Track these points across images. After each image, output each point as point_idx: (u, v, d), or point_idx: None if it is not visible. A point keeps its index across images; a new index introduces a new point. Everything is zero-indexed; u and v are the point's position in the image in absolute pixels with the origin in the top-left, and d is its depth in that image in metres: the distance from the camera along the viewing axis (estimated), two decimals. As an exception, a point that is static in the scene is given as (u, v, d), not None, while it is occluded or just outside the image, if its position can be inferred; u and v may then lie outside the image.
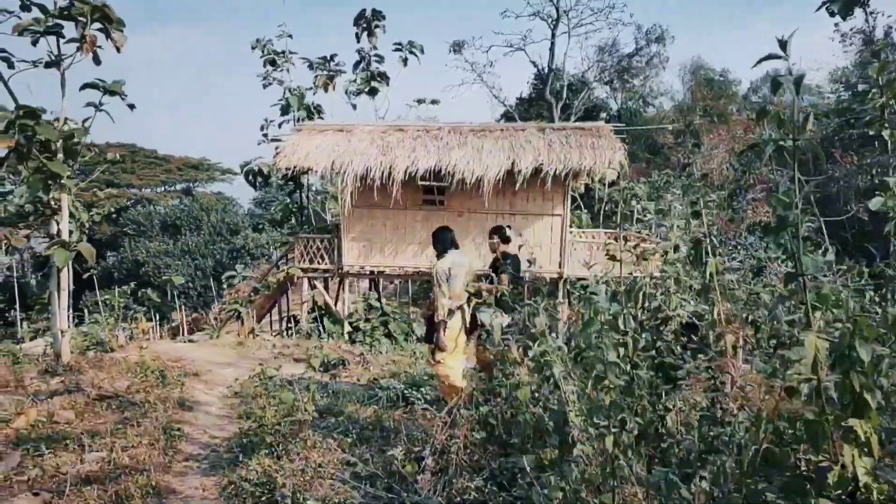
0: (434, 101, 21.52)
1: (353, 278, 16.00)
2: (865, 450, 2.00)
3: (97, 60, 8.53)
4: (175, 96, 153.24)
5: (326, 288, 16.00)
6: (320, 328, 14.14)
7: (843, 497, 2.06)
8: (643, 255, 3.46)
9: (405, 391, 7.23)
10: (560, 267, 14.46)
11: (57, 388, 7.42)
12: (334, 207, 22.67)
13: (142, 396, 7.13)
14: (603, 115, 33.69)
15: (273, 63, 18.76)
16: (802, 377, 1.98)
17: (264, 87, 18.99)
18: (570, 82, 35.41)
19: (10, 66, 8.18)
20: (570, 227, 15.07)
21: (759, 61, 2.31)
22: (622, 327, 2.76)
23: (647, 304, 3.30)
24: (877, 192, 3.32)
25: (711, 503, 2.57)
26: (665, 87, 38.51)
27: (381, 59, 19.94)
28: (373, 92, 19.80)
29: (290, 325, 15.97)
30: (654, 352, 3.13)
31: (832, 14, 7.70)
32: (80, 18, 8.23)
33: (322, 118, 18.59)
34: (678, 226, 3.63)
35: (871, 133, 7.09)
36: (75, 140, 8.71)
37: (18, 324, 16.20)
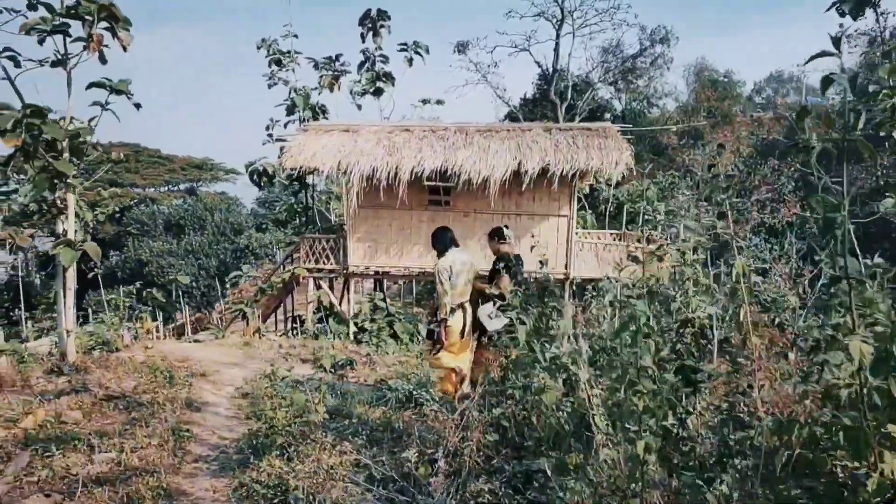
0: (439, 102, 21.48)
1: (358, 279, 15.97)
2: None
3: (103, 59, 8.50)
4: (174, 96, 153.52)
5: (331, 288, 15.97)
6: (327, 328, 14.10)
7: (882, 505, 2.01)
8: (661, 258, 3.42)
9: (414, 392, 7.18)
10: (566, 268, 14.42)
11: (63, 388, 7.39)
12: (338, 208, 22.65)
13: (149, 397, 7.10)
14: (607, 115, 33.62)
15: (278, 63, 18.74)
16: (844, 382, 1.94)
17: (269, 86, 18.98)
18: (575, 83, 35.34)
19: (17, 64, 8.15)
20: (576, 227, 15.04)
21: (812, 58, 2.27)
22: (655, 330, 2.72)
23: (669, 307, 3.26)
24: (886, 194, 3.27)
25: (735, 508, 2.53)
26: (669, 87, 38.44)
27: (385, 59, 19.90)
28: (378, 92, 19.75)
29: (294, 325, 15.94)
30: (674, 354, 3.09)
31: (842, 14, 7.65)
32: (87, 17, 8.21)
33: (327, 118, 18.56)
34: (695, 227, 3.59)
35: (882, 134, 7.06)
36: (81, 139, 8.69)
37: (23, 323, 16.19)
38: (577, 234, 15.08)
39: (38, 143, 7.98)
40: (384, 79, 19.89)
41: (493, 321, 6.78)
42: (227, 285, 22.53)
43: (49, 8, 8.02)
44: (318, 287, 15.59)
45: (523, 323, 3.87)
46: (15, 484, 4.59)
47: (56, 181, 8.36)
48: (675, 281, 3.48)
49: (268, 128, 19.35)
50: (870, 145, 2.04)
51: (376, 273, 15.45)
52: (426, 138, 14.44)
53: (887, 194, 3.32)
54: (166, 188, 50.45)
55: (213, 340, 12.66)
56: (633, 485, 2.48)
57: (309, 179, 18.64)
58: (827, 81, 2.26)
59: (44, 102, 7.95)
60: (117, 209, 26.44)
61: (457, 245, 7.18)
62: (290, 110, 18.61)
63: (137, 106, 9.15)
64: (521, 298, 4.71)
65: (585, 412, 3.02)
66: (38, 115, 7.88)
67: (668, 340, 3.08)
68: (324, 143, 14.47)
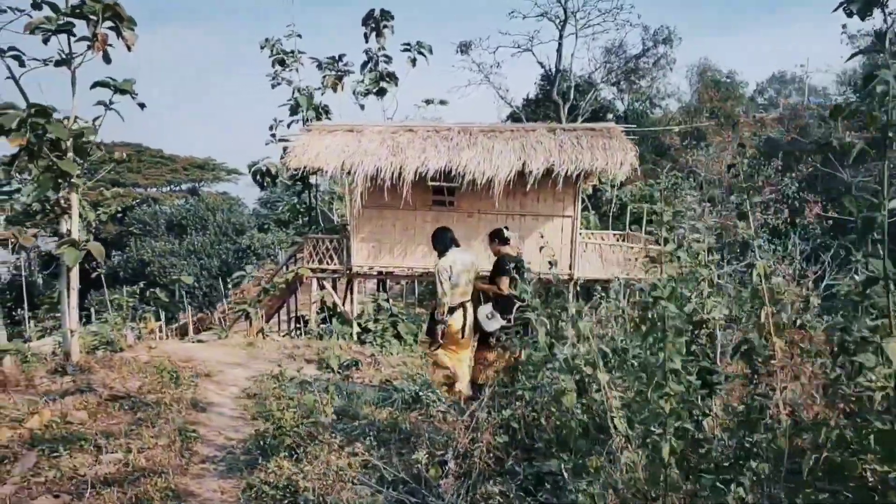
0: (442, 102, 21.47)
1: (360, 279, 15.94)
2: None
3: (107, 59, 8.48)
4: (176, 96, 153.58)
5: (334, 288, 15.95)
6: (330, 329, 14.07)
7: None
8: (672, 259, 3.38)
9: (420, 393, 7.14)
10: (570, 268, 14.38)
11: (68, 388, 7.36)
12: (341, 208, 22.64)
13: (154, 397, 7.07)
14: (610, 116, 33.59)
15: (282, 63, 18.72)
16: (877, 384, 1.91)
17: (273, 86, 18.97)
18: (577, 83, 35.31)
19: (22, 64, 8.14)
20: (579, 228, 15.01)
21: (854, 55, 2.24)
22: (685, 332, 2.68)
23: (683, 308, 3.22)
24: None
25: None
26: (672, 88, 38.41)
27: (388, 59, 19.89)
28: (381, 92, 19.74)
29: (298, 325, 15.92)
30: (690, 356, 3.05)
31: (850, 15, 7.61)
32: (92, 17, 8.18)
33: (329, 119, 18.54)
34: (704, 228, 3.56)
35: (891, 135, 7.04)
36: (85, 139, 8.67)
37: (26, 322, 16.16)
38: (580, 234, 15.04)
39: (42, 143, 7.96)
40: (387, 79, 19.88)
41: (491, 321, 6.82)
42: (230, 285, 22.52)
43: (54, 7, 8.00)
44: (322, 287, 15.56)
45: (543, 324, 3.82)
46: (22, 484, 4.56)
47: (60, 181, 8.34)
48: (689, 282, 3.44)
49: (271, 128, 19.35)
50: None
51: (380, 273, 15.42)
52: (430, 138, 14.41)
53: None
54: (168, 188, 50.45)
55: (217, 340, 12.63)
56: (655, 488, 2.45)
57: (312, 179, 18.61)
58: (869, 78, 2.22)
59: (48, 102, 7.94)
60: (120, 209, 26.44)
61: (457, 245, 7.21)
62: (294, 110, 18.60)
63: (142, 105, 9.13)
64: (531, 300, 4.67)
65: (603, 414, 2.98)
66: (43, 114, 7.86)
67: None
68: (327, 143, 14.45)
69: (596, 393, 3.88)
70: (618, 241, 18.08)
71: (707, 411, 2.92)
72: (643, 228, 22.63)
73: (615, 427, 2.85)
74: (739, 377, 3.05)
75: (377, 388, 8.35)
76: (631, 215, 23.25)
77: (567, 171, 13.36)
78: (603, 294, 5.33)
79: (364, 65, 19.94)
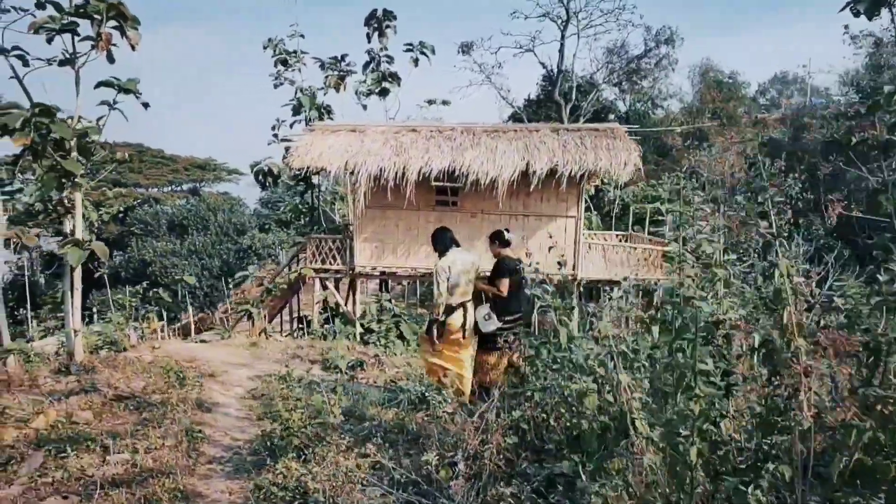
0: (445, 102, 21.45)
1: (362, 279, 15.91)
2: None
3: (111, 59, 8.46)
4: (177, 96, 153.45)
5: (336, 288, 15.91)
6: (334, 330, 14.03)
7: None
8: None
9: (426, 393, 7.11)
10: (574, 269, 14.35)
11: (73, 388, 7.33)
12: (342, 208, 22.61)
13: (159, 397, 7.04)
14: (611, 116, 33.58)
15: (285, 63, 18.68)
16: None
17: (275, 86, 18.92)
18: (579, 84, 35.29)
19: (26, 63, 8.12)
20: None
21: None
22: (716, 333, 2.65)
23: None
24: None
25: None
26: (674, 89, 38.38)
27: (391, 59, 19.86)
28: (384, 93, 19.70)
29: (300, 325, 15.88)
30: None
31: (857, 14, 7.56)
32: (96, 16, 8.16)
33: (331, 118, 18.49)
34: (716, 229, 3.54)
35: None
36: (89, 138, 8.64)
37: (28, 322, 16.13)
38: (583, 235, 15.01)
39: (46, 143, 7.94)
40: (390, 79, 19.85)
41: (487, 323, 6.85)
42: (231, 285, 22.49)
43: (58, 7, 7.98)
44: (325, 287, 15.52)
45: (565, 325, 3.79)
46: (30, 485, 4.53)
47: (64, 180, 8.31)
48: (704, 282, 3.41)
49: (273, 128, 19.29)
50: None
51: (382, 273, 15.39)
52: (433, 138, 14.38)
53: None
54: (169, 188, 50.43)
55: (220, 341, 12.60)
56: (680, 491, 2.42)
57: (315, 179, 18.57)
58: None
59: (52, 101, 7.91)
60: (121, 209, 26.40)
61: (457, 245, 7.23)
62: (297, 110, 18.55)
63: (146, 105, 9.10)
64: (553, 300, 4.64)
65: (620, 416, 2.95)
66: (47, 114, 7.84)
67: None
68: (331, 143, 14.42)
69: (608, 394, 3.86)
70: (620, 241, 18.05)
71: (724, 413, 2.89)
72: (646, 229, 22.62)
73: (635, 429, 2.81)
74: (756, 378, 3.02)
75: (382, 388, 8.32)
76: (633, 216, 23.23)
77: (571, 172, 13.33)
78: (611, 294, 5.31)
79: (366, 65, 19.91)
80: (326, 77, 19.15)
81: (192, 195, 45.25)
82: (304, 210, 20.04)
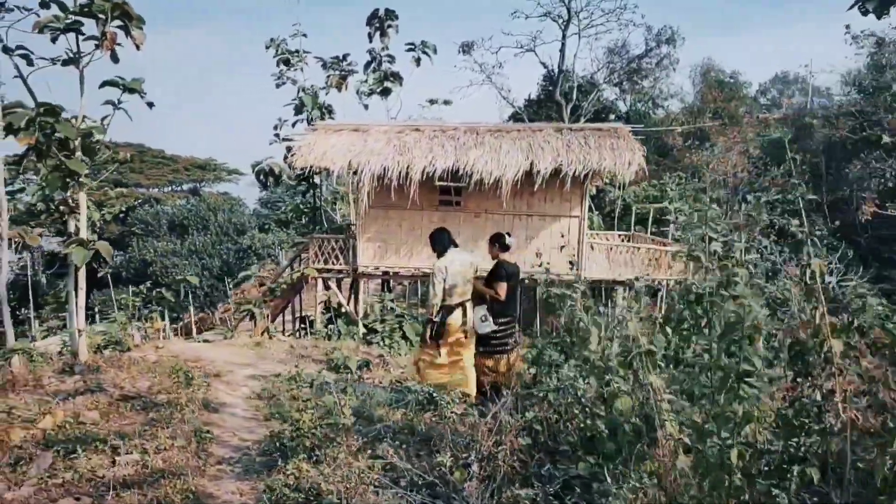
0: (446, 102, 21.43)
1: (364, 279, 15.88)
2: None
3: (115, 58, 8.41)
4: (178, 96, 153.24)
5: (339, 288, 15.87)
6: (338, 330, 13.99)
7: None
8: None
9: (433, 394, 7.08)
10: (578, 269, 14.31)
11: (78, 388, 7.29)
12: (344, 208, 22.58)
13: (165, 397, 7.00)
14: (612, 116, 33.56)
15: (287, 62, 18.64)
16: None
17: (277, 86, 18.90)
18: (580, 84, 35.26)
19: (30, 63, 8.09)
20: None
21: None
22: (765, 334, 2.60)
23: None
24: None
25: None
26: (675, 88, 38.35)
27: (392, 59, 19.83)
28: (385, 92, 19.67)
29: (303, 325, 15.84)
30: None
31: (865, 13, 7.52)
32: (101, 15, 8.11)
33: (333, 118, 18.47)
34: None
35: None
36: (93, 138, 8.61)
37: (31, 322, 16.08)
38: (587, 234, 14.99)
39: (50, 142, 7.91)
40: (391, 79, 19.82)
41: (483, 324, 6.87)
42: (231, 286, 22.42)
43: (62, 6, 7.94)
44: (327, 287, 15.48)
45: (596, 325, 3.76)
46: (40, 486, 4.49)
47: (68, 180, 8.28)
48: (724, 283, 3.37)
49: (275, 127, 19.27)
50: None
51: (385, 273, 15.35)
52: (437, 138, 14.35)
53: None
54: (170, 188, 50.35)
55: (223, 340, 12.57)
56: (717, 494, 2.38)
57: (316, 179, 18.54)
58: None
59: (56, 101, 7.88)
60: (123, 209, 26.36)
61: (455, 245, 7.28)
62: (299, 110, 18.53)
63: (150, 105, 9.07)
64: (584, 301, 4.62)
65: (644, 418, 2.92)
66: (51, 113, 7.81)
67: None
68: (333, 142, 14.38)
69: (623, 395, 3.83)
70: (623, 241, 18.04)
71: (766, 415, 2.85)
72: (648, 229, 22.59)
73: (669, 431, 2.77)
74: (781, 379, 2.98)
75: (388, 388, 8.28)
76: (635, 216, 23.20)
77: (575, 172, 13.31)
78: (614, 295, 5.28)
79: (368, 64, 19.88)
80: (328, 77, 19.13)
81: (192, 195, 45.18)
82: (305, 210, 20.00)
